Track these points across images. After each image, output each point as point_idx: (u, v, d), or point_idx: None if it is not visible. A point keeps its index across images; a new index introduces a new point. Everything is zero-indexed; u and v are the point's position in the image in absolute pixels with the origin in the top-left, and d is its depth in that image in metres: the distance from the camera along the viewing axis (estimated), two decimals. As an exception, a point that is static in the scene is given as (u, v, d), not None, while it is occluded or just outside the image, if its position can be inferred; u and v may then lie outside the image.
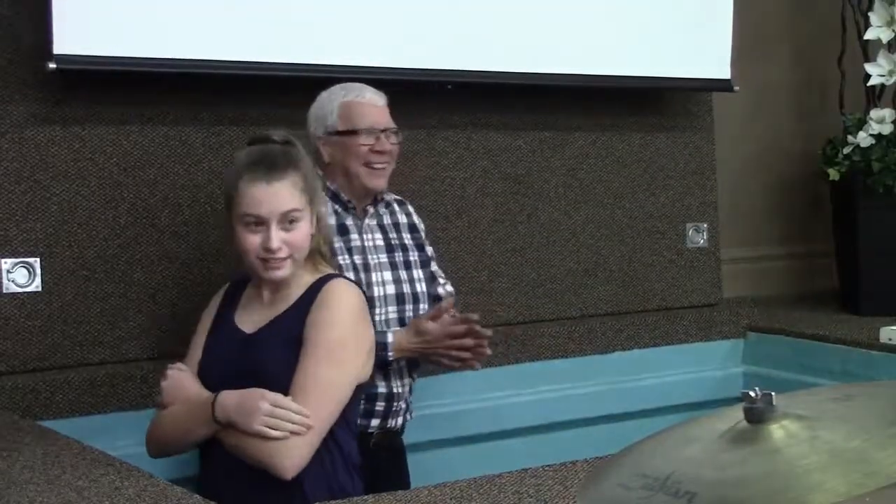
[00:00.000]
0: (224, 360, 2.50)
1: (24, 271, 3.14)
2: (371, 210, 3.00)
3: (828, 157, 4.20)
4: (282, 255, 2.42)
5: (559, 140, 3.99)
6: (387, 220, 3.05)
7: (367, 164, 2.90)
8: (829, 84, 4.56)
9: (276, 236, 2.41)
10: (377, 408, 2.90)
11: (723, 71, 4.12)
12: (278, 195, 2.42)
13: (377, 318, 2.88)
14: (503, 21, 3.69)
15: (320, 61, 3.38)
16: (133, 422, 2.91)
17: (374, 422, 2.91)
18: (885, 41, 4.16)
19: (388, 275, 2.96)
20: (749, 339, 4.13)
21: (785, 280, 4.69)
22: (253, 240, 2.42)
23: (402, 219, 3.09)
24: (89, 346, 3.22)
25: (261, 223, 2.42)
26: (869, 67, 4.20)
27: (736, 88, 4.16)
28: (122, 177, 3.26)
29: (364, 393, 2.65)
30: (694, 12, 4.06)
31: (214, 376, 2.49)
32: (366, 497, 2.15)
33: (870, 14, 4.18)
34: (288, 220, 2.43)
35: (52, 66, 3.02)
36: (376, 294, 2.91)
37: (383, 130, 2.92)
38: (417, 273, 3.02)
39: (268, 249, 2.41)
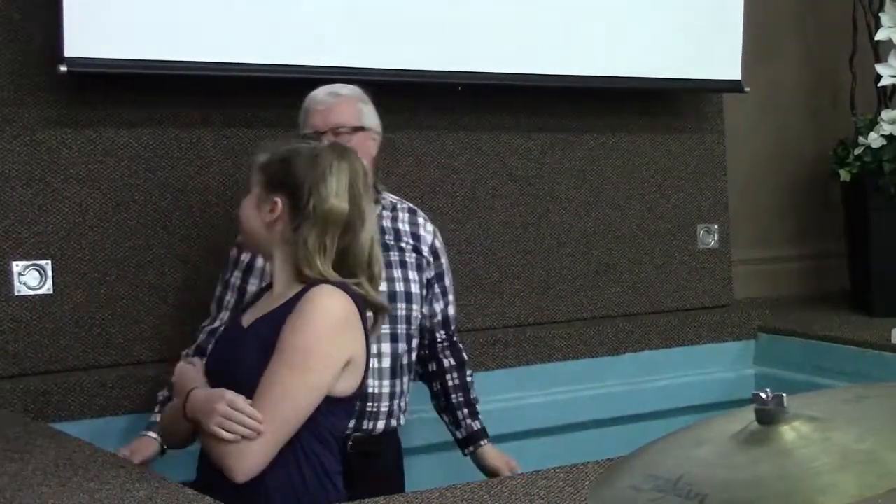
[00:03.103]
0: (216, 355, 2.50)
1: (36, 274, 3.15)
2: None
3: (839, 158, 4.19)
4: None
5: (569, 141, 3.99)
6: (386, 223, 2.98)
7: None
8: (840, 85, 4.55)
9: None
10: None
11: (733, 72, 4.11)
12: None
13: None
14: (513, 22, 3.69)
15: (331, 64, 3.38)
16: (144, 424, 2.91)
17: (350, 423, 2.74)
18: (896, 42, 4.16)
19: None
20: (760, 341, 4.12)
21: (796, 281, 4.68)
22: None
23: (406, 227, 3.03)
24: (101, 349, 3.23)
25: None
26: (880, 68, 4.19)
27: (747, 89, 4.16)
28: (133, 179, 3.27)
29: (348, 406, 2.47)
30: (704, 13, 4.05)
31: (208, 370, 2.45)
32: (377, 499, 2.14)
33: (881, 15, 4.17)
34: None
35: (63, 68, 3.04)
36: None
37: (324, 132, 2.86)
38: (413, 274, 2.96)
39: None
